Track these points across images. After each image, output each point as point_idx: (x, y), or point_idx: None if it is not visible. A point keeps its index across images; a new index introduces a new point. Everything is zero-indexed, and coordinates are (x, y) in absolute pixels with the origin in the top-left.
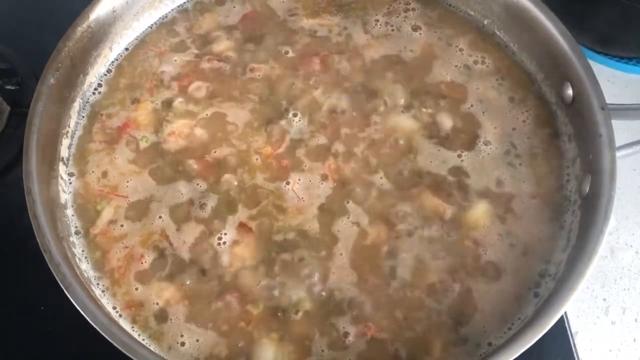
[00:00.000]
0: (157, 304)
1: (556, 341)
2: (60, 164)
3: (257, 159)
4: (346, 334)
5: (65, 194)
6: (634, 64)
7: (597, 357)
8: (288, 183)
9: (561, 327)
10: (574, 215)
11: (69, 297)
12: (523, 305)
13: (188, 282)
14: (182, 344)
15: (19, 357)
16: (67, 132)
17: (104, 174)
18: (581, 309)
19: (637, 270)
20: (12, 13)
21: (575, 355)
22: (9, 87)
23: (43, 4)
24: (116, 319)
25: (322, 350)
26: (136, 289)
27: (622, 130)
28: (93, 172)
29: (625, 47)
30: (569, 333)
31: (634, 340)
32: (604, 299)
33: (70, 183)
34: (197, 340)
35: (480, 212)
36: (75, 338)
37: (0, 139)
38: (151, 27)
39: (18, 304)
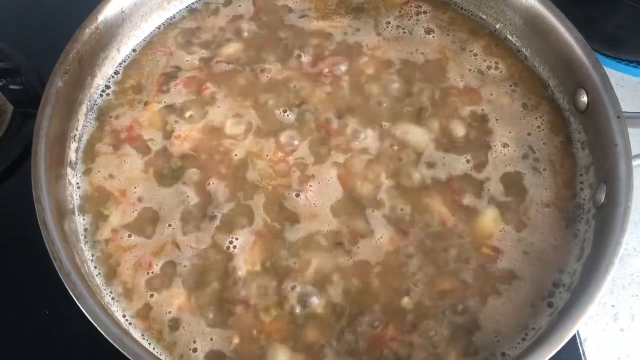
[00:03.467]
0: (170, 312)
1: (566, 348)
2: (69, 168)
3: (267, 164)
4: (357, 342)
5: (74, 199)
6: None
7: None
8: (301, 189)
9: None
10: (588, 225)
11: (80, 307)
12: (537, 316)
13: (200, 289)
14: (195, 350)
15: None
16: (75, 135)
17: (112, 178)
18: (590, 316)
19: None
20: (16, 12)
21: None
22: (12, 87)
23: (47, 3)
24: (127, 328)
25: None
26: (148, 297)
27: (633, 137)
28: (101, 174)
29: (634, 51)
30: (579, 340)
31: None
32: (613, 306)
33: (79, 188)
34: (211, 347)
35: (493, 219)
36: (80, 342)
37: (3, 139)
38: (159, 29)
39: (23, 307)
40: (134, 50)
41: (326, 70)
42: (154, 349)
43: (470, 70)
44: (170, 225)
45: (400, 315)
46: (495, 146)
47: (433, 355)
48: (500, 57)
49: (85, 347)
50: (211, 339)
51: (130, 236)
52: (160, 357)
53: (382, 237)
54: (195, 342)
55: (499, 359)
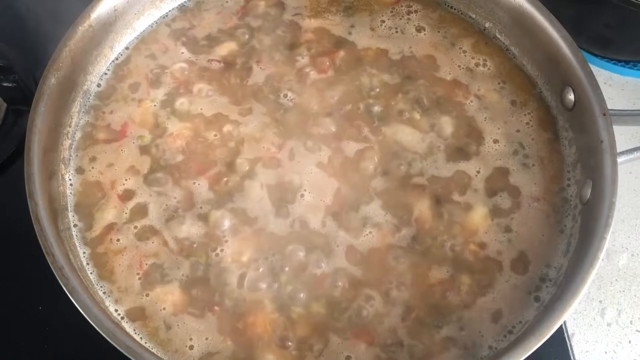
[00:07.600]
0: (164, 309)
1: (553, 343)
2: (61, 164)
3: (258, 160)
4: (345, 337)
5: (66, 195)
6: (631, 67)
7: (593, 358)
8: (290, 184)
9: (558, 329)
10: (574, 220)
11: (73, 301)
12: (524, 309)
13: (192, 286)
14: (191, 347)
15: (16, 357)
16: (68, 132)
17: (104, 174)
18: (577, 310)
19: (633, 272)
20: (9, 9)
21: (571, 356)
22: (5, 84)
23: (40, 0)
24: (119, 322)
25: (322, 355)
26: (142, 294)
27: (619, 134)
28: (93, 171)
29: (622, 50)
30: (566, 335)
31: (629, 342)
32: (600, 301)
33: (71, 184)
34: (206, 343)
35: (483, 214)
36: (72, 337)
37: None
38: (152, 26)
39: (15, 302)
40: (127, 48)
41: (319, 67)
42: (146, 343)
43: (459, 67)
44: (161, 222)
45: (387, 310)
46: (485, 142)
47: (420, 349)
48: (488, 55)
49: (80, 346)
50: (206, 338)
51: (122, 233)
52: (153, 351)
53: (370, 232)
54: (191, 339)
55: (486, 351)
